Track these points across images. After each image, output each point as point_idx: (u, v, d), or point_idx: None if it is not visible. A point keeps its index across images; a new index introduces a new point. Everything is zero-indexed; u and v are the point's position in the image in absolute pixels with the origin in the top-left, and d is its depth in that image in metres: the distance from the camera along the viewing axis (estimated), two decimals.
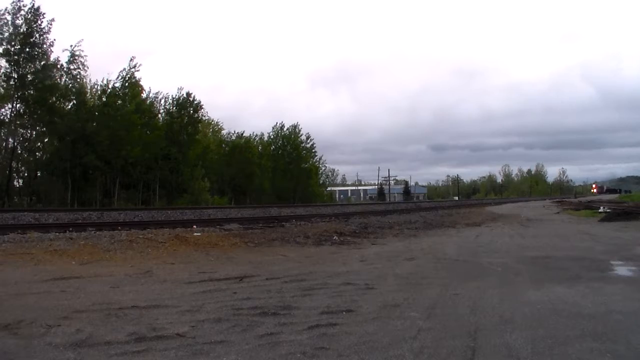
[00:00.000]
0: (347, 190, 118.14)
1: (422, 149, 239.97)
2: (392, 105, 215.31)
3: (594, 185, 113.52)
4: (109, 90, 38.16)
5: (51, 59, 34.31)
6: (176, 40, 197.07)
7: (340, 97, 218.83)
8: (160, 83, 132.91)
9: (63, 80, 35.57)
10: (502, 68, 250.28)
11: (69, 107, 36.60)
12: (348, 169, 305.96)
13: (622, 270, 7.67)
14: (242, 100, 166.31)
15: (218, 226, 14.57)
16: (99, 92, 38.44)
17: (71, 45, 35.35)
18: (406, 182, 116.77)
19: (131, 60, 39.10)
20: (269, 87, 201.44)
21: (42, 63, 33.55)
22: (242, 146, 54.04)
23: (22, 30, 32.81)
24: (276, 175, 56.32)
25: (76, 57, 35.48)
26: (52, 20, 33.86)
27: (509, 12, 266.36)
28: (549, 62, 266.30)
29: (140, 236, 10.87)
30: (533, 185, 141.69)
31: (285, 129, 60.40)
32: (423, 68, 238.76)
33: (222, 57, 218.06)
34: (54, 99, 34.40)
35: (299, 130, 61.12)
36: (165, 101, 44.62)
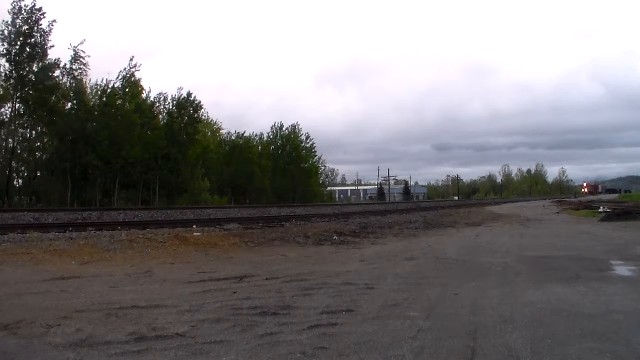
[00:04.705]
0: (347, 190, 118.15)
1: (426, 148, 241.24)
2: (400, 105, 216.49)
3: (585, 185, 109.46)
4: (109, 90, 38.16)
5: (52, 59, 34.37)
6: (183, 39, 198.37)
7: (348, 97, 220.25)
8: (167, 82, 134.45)
9: (65, 80, 35.64)
10: (513, 67, 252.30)
11: (69, 107, 36.63)
12: (349, 168, 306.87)
13: (622, 270, 7.67)
14: (249, 99, 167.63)
15: (218, 226, 14.56)
16: (100, 92, 38.43)
17: (74, 46, 35.38)
18: (406, 182, 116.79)
19: (131, 60, 39.19)
20: (276, 86, 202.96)
21: (41, 64, 33.55)
22: (242, 146, 54.07)
23: (23, 30, 32.80)
24: (276, 175, 56.32)
25: (79, 58, 35.51)
26: (54, 21, 33.93)
27: (524, 10, 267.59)
28: (562, 60, 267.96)
29: (140, 236, 10.86)
30: (533, 185, 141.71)
31: (284, 129, 60.48)
32: (432, 67, 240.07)
33: (229, 56, 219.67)
34: (54, 99, 34.39)
35: (299, 130, 61.22)
36: (166, 101, 44.66)
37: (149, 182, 39.46)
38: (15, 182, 35.24)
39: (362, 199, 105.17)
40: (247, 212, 23.89)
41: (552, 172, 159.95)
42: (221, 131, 57.87)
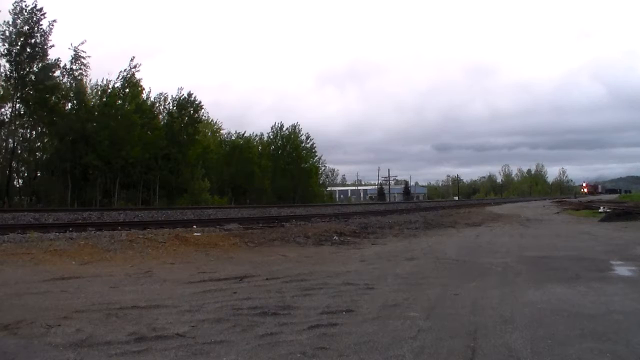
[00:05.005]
0: (347, 190, 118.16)
1: (426, 148, 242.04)
2: (400, 105, 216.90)
3: (584, 184, 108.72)
4: (109, 90, 38.18)
5: (52, 59, 34.37)
6: (183, 39, 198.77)
7: (348, 97, 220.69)
8: (167, 82, 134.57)
9: (65, 80, 35.64)
10: (513, 67, 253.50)
11: (69, 107, 36.63)
12: (349, 168, 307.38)
13: (622, 270, 7.67)
14: (249, 99, 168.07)
15: (218, 226, 14.56)
16: (100, 92, 38.45)
17: (75, 46, 35.36)
18: (406, 182, 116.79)
19: (132, 60, 39.24)
20: (276, 86, 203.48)
21: (40, 64, 33.55)
22: (242, 146, 54.10)
23: (23, 30, 32.81)
24: (276, 175, 56.35)
25: (79, 58, 35.52)
26: (54, 21, 33.97)
27: (524, 10, 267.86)
28: (563, 60, 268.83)
29: (140, 236, 10.86)
30: (533, 185, 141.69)
31: (284, 129, 60.52)
32: (433, 67, 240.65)
33: (229, 56, 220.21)
34: (54, 99, 34.40)
35: (299, 130, 61.26)
36: (166, 101, 44.67)
37: (149, 182, 39.46)
38: (15, 182, 35.25)
39: (362, 199, 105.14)
40: (247, 212, 23.88)
41: (552, 172, 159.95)
42: (221, 131, 57.99)
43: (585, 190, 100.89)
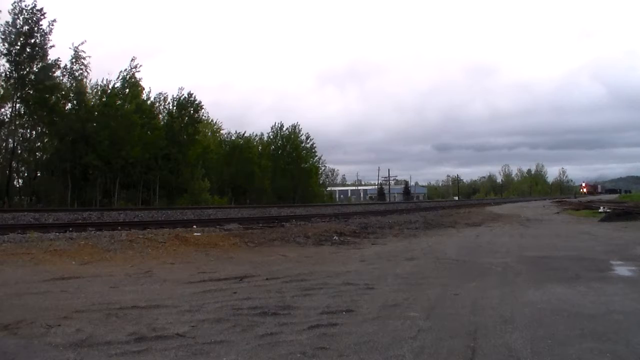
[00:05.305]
0: (347, 190, 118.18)
1: (426, 148, 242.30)
2: (400, 105, 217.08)
3: (583, 185, 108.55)
4: (109, 90, 38.18)
5: (52, 59, 34.37)
6: (183, 39, 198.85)
7: (348, 97, 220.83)
8: (167, 82, 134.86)
9: (65, 80, 35.65)
10: (514, 67, 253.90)
11: (69, 107, 36.63)
12: (349, 168, 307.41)
13: (622, 270, 7.67)
14: (249, 99, 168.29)
15: (218, 226, 14.56)
16: (100, 92, 38.46)
17: (75, 46, 35.36)
18: (406, 182, 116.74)
19: (132, 60, 39.31)
20: (276, 86, 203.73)
21: (40, 64, 33.55)
22: (242, 146, 54.10)
23: (23, 30, 32.82)
24: (276, 175, 56.37)
25: (79, 58, 35.52)
26: (54, 20, 33.98)
27: (525, 10, 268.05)
28: (563, 59, 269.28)
29: (140, 236, 10.86)
30: (533, 185, 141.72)
31: (284, 129, 60.56)
32: (433, 67, 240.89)
33: (230, 56, 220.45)
34: (54, 99, 34.40)
35: (299, 130, 61.29)
36: (166, 101, 44.68)
37: (149, 182, 39.46)
38: (15, 182, 35.25)
39: (362, 199, 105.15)
40: (247, 212, 23.88)
41: (552, 172, 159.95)
42: (221, 131, 58.00)
43: (585, 190, 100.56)
